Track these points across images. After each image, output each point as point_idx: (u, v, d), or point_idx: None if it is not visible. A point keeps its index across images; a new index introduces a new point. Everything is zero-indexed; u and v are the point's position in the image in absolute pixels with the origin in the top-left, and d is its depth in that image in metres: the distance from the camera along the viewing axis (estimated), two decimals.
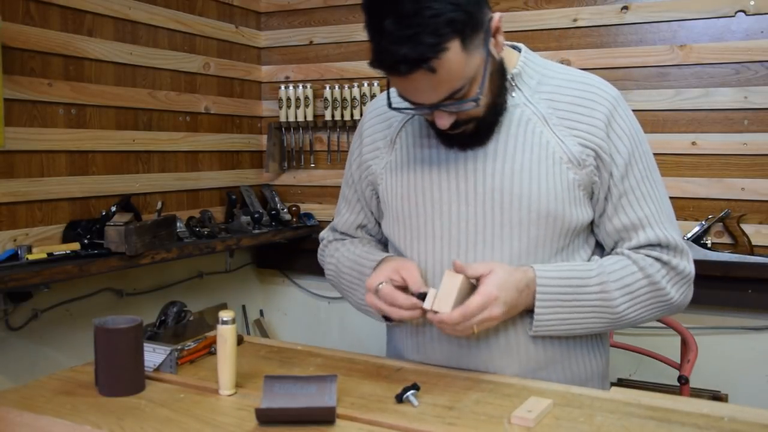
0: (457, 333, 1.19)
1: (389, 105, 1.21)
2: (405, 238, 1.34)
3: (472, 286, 1.19)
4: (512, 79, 1.26)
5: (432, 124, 1.23)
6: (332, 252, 1.49)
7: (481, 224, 1.26)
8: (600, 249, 1.35)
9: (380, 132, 1.39)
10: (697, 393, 2.33)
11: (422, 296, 1.18)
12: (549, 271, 1.23)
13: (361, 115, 2.87)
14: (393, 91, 1.19)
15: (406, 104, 1.19)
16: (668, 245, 1.26)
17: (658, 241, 1.26)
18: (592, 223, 1.31)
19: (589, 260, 1.31)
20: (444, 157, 1.29)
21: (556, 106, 1.26)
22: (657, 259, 1.26)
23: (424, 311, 1.18)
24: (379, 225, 1.47)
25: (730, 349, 2.41)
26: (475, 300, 1.15)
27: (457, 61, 1.07)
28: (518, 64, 1.28)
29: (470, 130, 1.21)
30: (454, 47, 1.05)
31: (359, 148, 1.43)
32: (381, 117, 1.40)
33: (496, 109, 1.22)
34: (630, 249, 1.28)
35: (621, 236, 1.28)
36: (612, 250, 1.32)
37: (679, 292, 1.28)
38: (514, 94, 1.26)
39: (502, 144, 1.25)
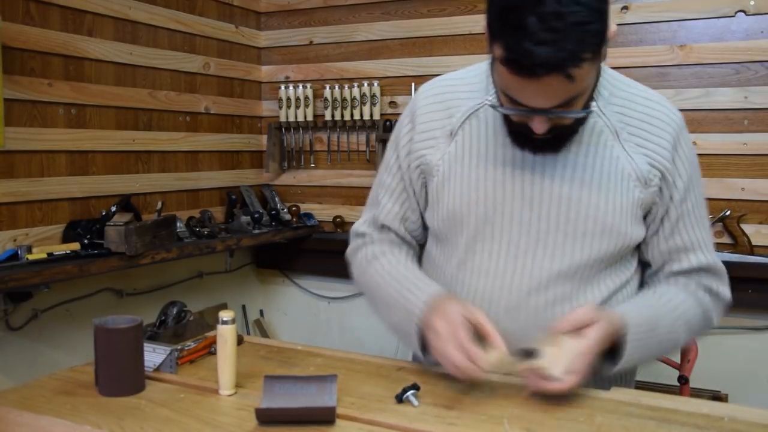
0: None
1: (490, 104, 1.16)
2: (459, 235, 1.29)
3: None
4: None
5: (513, 124, 1.19)
6: (369, 258, 1.39)
7: (544, 231, 1.23)
8: (639, 264, 1.36)
9: (438, 121, 1.32)
10: (697, 393, 2.33)
11: (528, 354, 1.13)
12: (635, 318, 1.20)
13: (361, 115, 2.91)
14: (480, 87, 1.16)
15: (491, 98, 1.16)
16: (715, 270, 1.30)
17: (708, 265, 1.29)
18: None
19: (633, 275, 1.32)
20: (510, 158, 1.24)
21: (627, 120, 1.24)
22: (708, 290, 1.29)
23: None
24: (423, 219, 1.40)
25: (730, 349, 2.42)
26: (580, 362, 1.11)
27: (588, 71, 1.04)
28: None
29: (554, 135, 1.17)
30: (591, 57, 1.02)
31: (410, 134, 1.35)
32: (440, 105, 1.32)
33: (585, 118, 1.20)
34: (679, 271, 1.30)
35: (672, 257, 1.29)
36: (659, 268, 1.32)
37: (717, 315, 1.32)
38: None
39: (573, 153, 1.22)
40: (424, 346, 1.24)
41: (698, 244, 1.29)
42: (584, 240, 1.23)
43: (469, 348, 1.14)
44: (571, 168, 1.22)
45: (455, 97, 1.31)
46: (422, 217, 1.40)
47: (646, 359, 1.26)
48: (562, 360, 1.10)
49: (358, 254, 1.43)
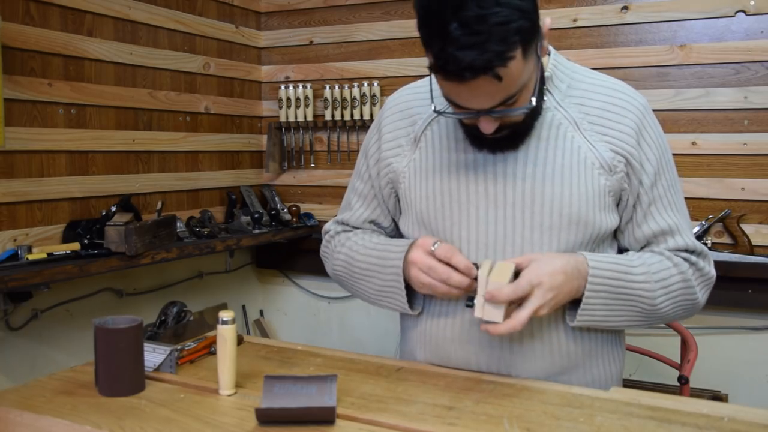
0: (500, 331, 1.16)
1: (435, 110, 1.18)
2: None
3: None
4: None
5: (466, 126, 1.21)
6: (342, 241, 1.43)
7: (510, 228, 1.24)
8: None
9: (402, 129, 1.35)
10: (697, 393, 2.33)
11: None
12: (599, 256, 1.23)
13: (361, 115, 2.91)
14: (436, 93, 1.17)
15: (444, 104, 1.17)
16: (695, 251, 1.29)
17: (686, 247, 1.29)
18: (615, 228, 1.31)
19: None
20: (472, 160, 1.26)
21: (587, 111, 1.25)
22: (686, 260, 1.28)
23: (476, 279, 1.17)
24: (395, 223, 1.44)
25: (730, 349, 2.41)
26: (530, 305, 1.14)
27: (518, 68, 1.05)
28: (549, 67, 1.26)
29: (507, 133, 1.19)
30: (518, 55, 1.03)
31: (377, 143, 1.39)
32: (403, 113, 1.36)
33: (534, 113, 1.21)
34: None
35: (649, 242, 1.30)
36: None
37: (702, 293, 1.31)
38: (545, 98, 1.24)
39: (533, 148, 1.24)
40: (411, 300, 1.30)
41: (676, 229, 1.28)
42: (551, 233, 1.23)
43: (457, 260, 1.19)
44: (532, 163, 1.24)
45: (418, 104, 1.35)
46: (395, 223, 1.45)
47: (618, 315, 1.24)
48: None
49: (330, 245, 1.47)
